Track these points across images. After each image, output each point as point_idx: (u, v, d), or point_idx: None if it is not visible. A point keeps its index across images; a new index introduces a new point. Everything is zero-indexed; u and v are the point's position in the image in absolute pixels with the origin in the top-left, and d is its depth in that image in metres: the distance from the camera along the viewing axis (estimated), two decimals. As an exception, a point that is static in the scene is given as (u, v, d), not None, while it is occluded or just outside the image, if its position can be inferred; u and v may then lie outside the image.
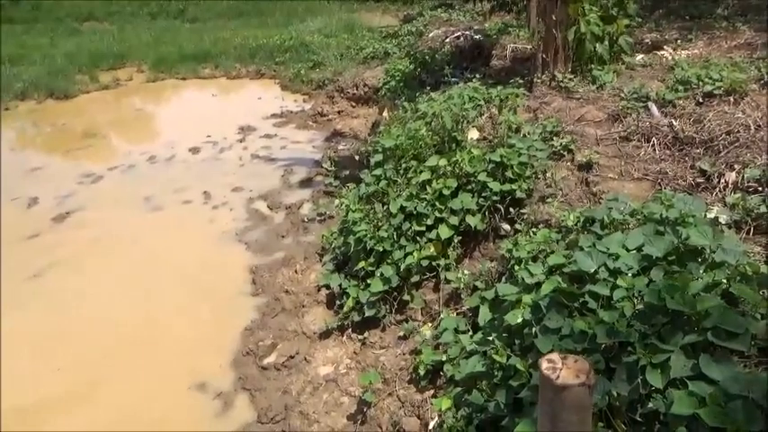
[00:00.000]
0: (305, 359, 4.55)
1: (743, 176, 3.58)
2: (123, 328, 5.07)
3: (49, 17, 21.99)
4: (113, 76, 14.32)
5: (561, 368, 1.36)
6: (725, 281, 2.46)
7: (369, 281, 4.68)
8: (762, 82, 5.09)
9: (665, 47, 7.11)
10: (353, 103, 10.63)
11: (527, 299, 3.14)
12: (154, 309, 5.32)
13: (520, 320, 3.02)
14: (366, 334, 4.57)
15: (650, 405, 2.21)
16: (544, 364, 1.38)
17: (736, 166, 3.72)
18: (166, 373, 4.51)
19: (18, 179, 8.53)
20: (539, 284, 3.17)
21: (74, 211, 7.45)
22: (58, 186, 8.21)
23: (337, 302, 4.99)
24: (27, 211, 7.56)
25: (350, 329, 4.68)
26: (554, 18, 6.04)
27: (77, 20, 21.83)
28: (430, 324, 4.34)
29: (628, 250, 2.86)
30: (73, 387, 4.42)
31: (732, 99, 4.74)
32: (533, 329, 2.87)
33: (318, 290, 5.30)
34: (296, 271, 5.71)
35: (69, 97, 12.92)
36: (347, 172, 7.52)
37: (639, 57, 6.76)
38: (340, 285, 5.03)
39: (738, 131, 4.07)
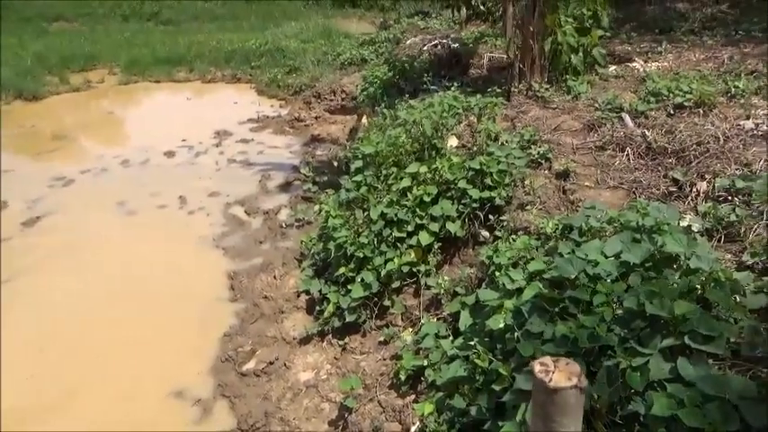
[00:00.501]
0: (285, 365, 4.54)
1: (713, 186, 3.71)
2: (98, 335, 4.98)
3: (16, 17, 21.47)
4: (84, 77, 14.06)
5: (553, 371, 1.40)
6: (699, 287, 2.56)
7: (349, 286, 4.69)
8: (729, 95, 5.29)
9: (635, 59, 7.32)
10: (331, 109, 10.64)
11: (508, 304, 3.20)
12: (130, 315, 5.24)
13: (502, 325, 3.08)
14: (346, 339, 4.58)
15: (630, 407, 2.27)
16: (537, 367, 1.42)
17: (706, 175, 3.85)
18: (144, 380, 4.45)
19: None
20: (519, 290, 3.24)
21: (45, 215, 7.29)
22: (28, 190, 8.02)
23: (317, 308, 4.98)
24: (-5, 214, 7.37)
25: (330, 335, 4.69)
26: (531, 29, 6.18)
27: (46, 20, 21.37)
28: (410, 329, 4.38)
29: (606, 257, 2.94)
30: (47, 395, 4.32)
31: (701, 111, 4.91)
32: (515, 334, 2.93)
33: (298, 295, 5.29)
34: (275, 276, 5.69)
35: (38, 98, 12.65)
36: (325, 178, 7.53)
37: (612, 68, 6.95)
38: (320, 291, 5.03)
39: (708, 142, 4.22)
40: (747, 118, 4.60)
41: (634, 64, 7.08)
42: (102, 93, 13.43)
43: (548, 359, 1.44)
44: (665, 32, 8.71)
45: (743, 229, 3.24)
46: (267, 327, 4.99)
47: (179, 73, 14.39)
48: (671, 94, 5.24)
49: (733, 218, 3.30)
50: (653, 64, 7.01)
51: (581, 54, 6.45)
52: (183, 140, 9.81)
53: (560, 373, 1.39)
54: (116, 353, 4.76)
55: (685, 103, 5.04)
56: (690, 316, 2.31)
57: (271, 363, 4.55)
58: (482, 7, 11.20)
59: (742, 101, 5.09)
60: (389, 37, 12.77)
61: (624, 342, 2.43)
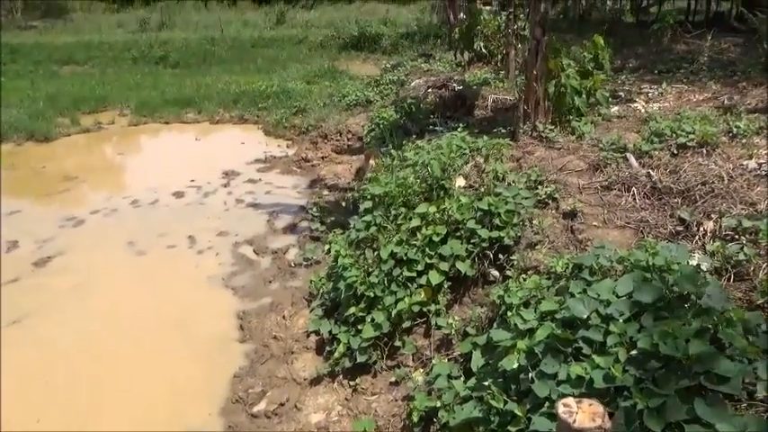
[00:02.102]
0: (295, 406, 4.52)
1: (720, 225, 3.76)
2: (108, 375, 4.98)
3: (27, 59, 22.01)
4: (95, 119, 14.31)
5: (577, 412, 1.44)
6: (712, 327, 2.59)
7: (359, 327, 4.71)
8: (730, 135, 5.40)
9: (637, 99, 7.48)
10: (337, 149, 10.80)
11: (521, 344, 3.22)
12: (139, 356, 5.24)
13: (516, 366, 3.09)
14: (357, 380, 4.56)
15: (649, 448, 2.28)
16: (561, 408, 1.46)
17: (713, 215, 3.91)
18: (154, 421, 4.42)
19: (-3, 223, 8.40)
20: (532, 330, 3.26)
21: (55, 255, 7.35)
22: (39, 230, 8.10)
23: (327, 348, 4.99)
24: (6, 255, 7.43)
25: (341, 376, 4.67)
26: (535, 72, 6.34)
27: (57, 63, 21.89)
28: (421, 370, 4.38)
29: (618, 296, 2.98)
30: (56, 437, 4.30)
31: (705, 151, 5.01)
32: (529, 375, 2.94)
33: (308, 336, 5.29)
34: (284, 316, 5.70)
35: (50, 140, 12.84)
36: (333, 217, 7.60)
37: (614, 109, 7.10)
38: (330, 331, 5.05)
39: (713, 182, 4.30)
40: (750, 158, 4.69)
41: (636, 104, 7.24)
42: (113, 134, 13.65)
43: (570, 400, 1.47)
44: (664, 73, 8.91)
45: (752, 269, 3.28)
46: (277, 367, 4.98)
47: (187, 114, 14.64)
48: (674, 135, 5.34)
49: (741, 257, 3.34)
50: (654, 104, 7.16)
51: (584, 96, 6.61)
52: (192, 181, 9.94)
53: (584, 414, 1.42)
54: (126, 393, 4.75)
55: (688, 143, 5.14)
56: (704, 356, 2.34)
57: (282, 404, 4.53)
58: (484, 50, 11.47)
59: (744, 141, 5.19)
60: (394, 79, 13.05)
61: (640, 383, 2.45)
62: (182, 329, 5.61)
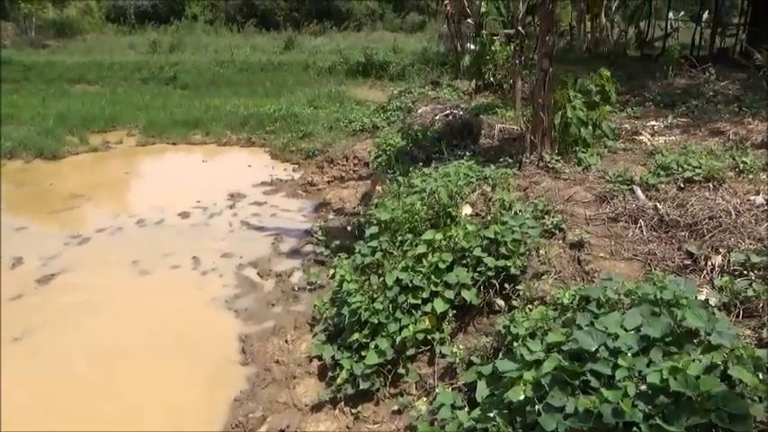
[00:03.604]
0: (296, 433, 4.46)
1: (728, 260, 3.76)
2: (108, 395, 4.94)
3: (39, 78, 22.32)
4: (103, 138, 14.44)
5: (590, 449, 1.42)
6: (721, 363, 2.57)
7: (363, 353, 4.68)
8: (737, 170, 5.42)
9: (642, 133, 7.53)
10: (343, 174, 10.85)
11: (527, 376, 3.18)
12: (140, 376, 5.20)
13: (522, 397, 3.06)
14: (359, 407, 4.51)
15: (659, 487, 2.24)
16: (574, 445, 1.44)
17: (721, 249, 3.91)
18: (153, 445, 4.37)
19: (2, 238, 8.42)
20: (538, 361, 3.23)
21: (59, 272, 7.35)
22: (44, 247, 8.11)
23: (329, 374, 4.94)
24: (11, 271, 7.43)
25: (342, 402, 4.62)
26: (542, 102, 6.40)
27: (68, 82, 22.19)
28: (425, 398, 4.33)
29: (626, 330, 2.97)
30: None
31: (711, 185, 5.02)
32: (536, 407, 2.91)
33: (310, 360, 5.25)
34: (286, 341, 5.67)
35: (58, 158, 12.95)
36: (338, 242, 7.60)
37: (620, 141, 7.14)
38: (333, 357, 5.01)
39: (720, 216, 4.30)
40: (757, 193, 4.70)
41: (641, 137, 7.28)
42: (121, 153, 13.75)
43: (584, 437, 1.45)
44: (669, 107, 8.98)
45: (760, 305, 3.26)
46: (279, 392, 4.93)
47: (195, 135, 14.76)
48: (680, 168, 5.36)
49: (750, 293, 3.33)
50: (660, 138, 7.21)
51: (590, 127, 6.65)
52: (198, 201, 9.98)
53: (597, 452, 1.41)
54: (126, 414, 4.70)
55: (695, 177, 5.16)
56: (715, 393, 2.31)
57: (282, 430, 4.47)
58: (492, 79, 11.60)
59: (750, 176, 5.21)
60: (401, 105, 13.17)
61: (649, 419, 2.43)
62: (183, 350, 5.58)
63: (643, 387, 2.56)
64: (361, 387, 4.54)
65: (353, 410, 4.52)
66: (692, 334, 2.85)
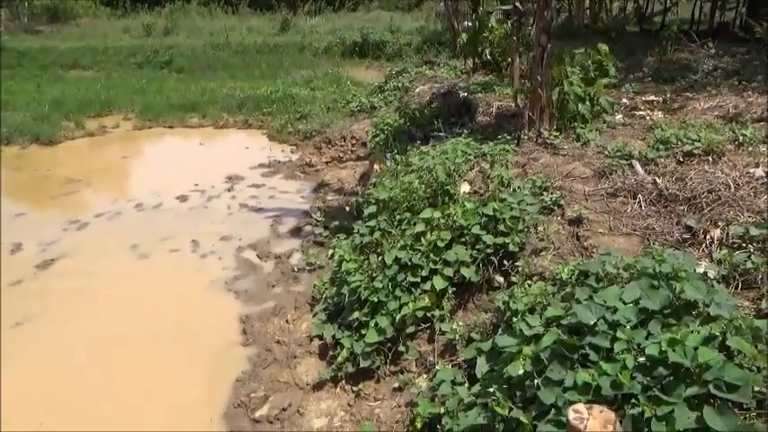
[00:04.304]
0: (298, 411, 4.49)
1: (727, 233, 3.75)
2: (109, 379, 4.96)
3: (33, 64, 22.11)
4: (100, 123, 14.34)
5: (588, 418, 1.42)
6: (720, 334, 2.57)
7: (363, 331, 4.69)
8: (736, 143, 5.39)
9: (642, 107, 7.47)
10: (341, 155, 10.80)
11: (527, 350, 3.20)
12: (141, 359, 5.22)
13: (521, 372, 3.07)
14: (360, 385, 4.54)
15: (657, 456, 2.25)
16: (571, 414, 1.44)
17: (720, 223, 3.90)
18: (155, 424, 4.40)
19: (2, 224, 8.40)
20: (537, 336, 3.24)
21: (58, 258, 7.34)
22: (42, 233, 8.10)
23: (330, 353, 4.96)
24: (10, 257, 7.43)
25: (343, 381, 4.65)
26: (540, 78, 6.33)
27: (63, 67, 21.98)
28: (425, 375, 4.35)
29: (625, 303, 2.97)
30: (57, 441, 4.28)
31: (710, 159, 4.99)
32: (535, 381, 2.92)
33: (311, 340, 5.27)
34: (287, 321, 5.69)
35: (54, 143, 12.87)
36: (336, 222, 7.59)
37: (618, 116, 7.09)
38: (333, 336, 5.03)
39: (719, 190, 4.28)
40: (756, 166, 4.67)
41: (641, 112, 7.22)
42: (117, 138, 13.66)
43: (581, 406, 1.45)
44: (669, 81, 8.90)
45: (759, 277, 3.26)
46: (280, 372, 4.96)
47: (192, 119, 14.66)
48: (679, 142, 5.32)
49: (749, 265, 3.33)
50: (659, 112, 7.15)
51: (588, 103, 6.60)
52: (196, 185, 9.94)
53: (595, 421, 1.41)
54: (127, 397, 4.73)
55: (694, 151, 5.12)
56: (713, 364, 2.31)
57: (284, 409, 4.50)
58: (489, 57, 11.49)
59: (750, 149, 5.17)
60: (398, 85, 13.07)
61: (647, 390, 2.43)
62: (184, 333, 5.59)
63: (642, 359, 2.57)
64: (361, 365, 4.56)
65: (354, 388, 4.55)
66: (691, 306, 2.85)
